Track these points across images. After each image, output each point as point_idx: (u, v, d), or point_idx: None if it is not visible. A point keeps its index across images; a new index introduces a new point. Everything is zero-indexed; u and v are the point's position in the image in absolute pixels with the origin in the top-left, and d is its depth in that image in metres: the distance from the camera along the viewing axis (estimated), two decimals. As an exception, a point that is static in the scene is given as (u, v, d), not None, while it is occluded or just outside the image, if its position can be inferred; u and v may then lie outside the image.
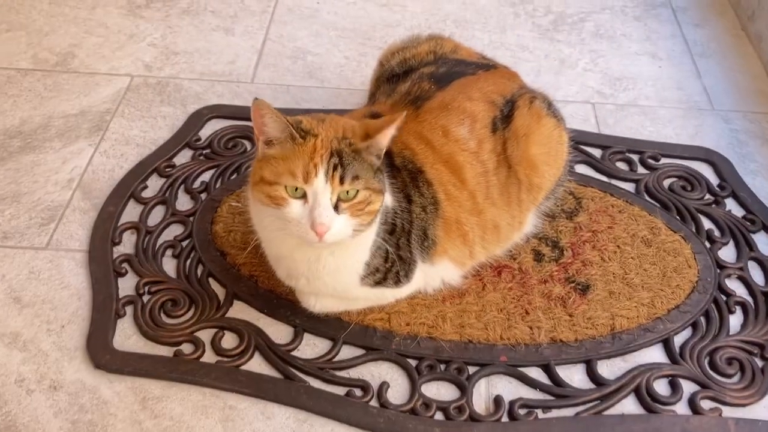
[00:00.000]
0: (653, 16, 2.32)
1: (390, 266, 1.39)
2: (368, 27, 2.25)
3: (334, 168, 1.18)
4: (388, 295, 1.46)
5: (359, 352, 1.43)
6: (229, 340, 1.44)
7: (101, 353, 1.40)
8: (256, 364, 1.41)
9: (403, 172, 1.38)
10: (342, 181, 1.19)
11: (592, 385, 1.40)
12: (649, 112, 1.98)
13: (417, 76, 1.49)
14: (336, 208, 1.20)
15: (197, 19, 2.25)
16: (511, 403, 1.36)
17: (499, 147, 1.44)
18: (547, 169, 1.47)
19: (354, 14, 2.30)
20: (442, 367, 1.41)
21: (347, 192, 1.20)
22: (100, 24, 2.22)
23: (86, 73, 2.05)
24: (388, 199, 1.35)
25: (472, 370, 1.41)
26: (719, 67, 2.13)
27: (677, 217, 1.69)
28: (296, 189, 1.19)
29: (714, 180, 1.79)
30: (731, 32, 2.27)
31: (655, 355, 1.45)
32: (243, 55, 2.13)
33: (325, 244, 1.21)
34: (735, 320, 1.50)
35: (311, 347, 1.44)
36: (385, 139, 1.22)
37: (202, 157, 1.80)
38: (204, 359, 1.41)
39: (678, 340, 1.47)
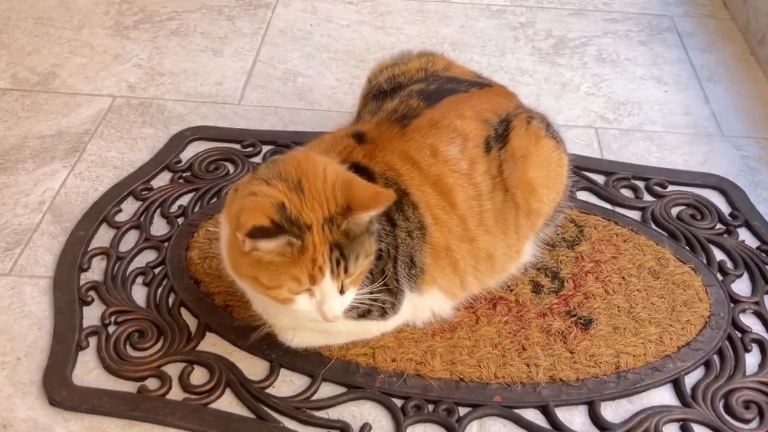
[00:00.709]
0: (659, 41, 2.23)
1: (375, 297, 1.28)
2: (362, 49, 2.17)
3: (338, 263, 1.13)
4: (372, 328, 1.34)
5: (340, 390, 1.31)
6: (198, 376, 1.33)
7: (57, 389, 1.29)
8: (227, 402, 1.29)
9: (387, 196, 1.27)
10: (347, 270, 1.14)
11: (595, 430, 1.27)
12: (655, 137, 1.88)
13: (405, 94, 1.39)
14: (341, 290, 1.16)
15: (186, 41, 2.18)
16: (506, 448, 1.23)
17: (494, 169, 1.33)
18: (546, 192, 1.36)
19: (348, 36, 2.22)
20: (431, 407, 1.29)
21: (358, 264, 1.16)
22: (86, 44, 2.15)
23: (67, 93, 1.97)
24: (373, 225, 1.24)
25: (463, 411, 1.28)
26: (728, 93, 2.04)
27: (686, 248, 1.57)
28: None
29: (725, 209, 1.68)
30: (740, 57, 2.18)
31: (664, 396, 1.32)
32: (231, 76, 2.05)
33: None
34: (752, 359, 1.38)
35: (287, 384, 1.32)
36: (364, 218, 1.14)
37: (181, 180, 1.70)
38: (170, 396, 1.29)
39: (689, 380, 1.34)
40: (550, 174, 1.37)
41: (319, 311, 1.15)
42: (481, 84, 1.46)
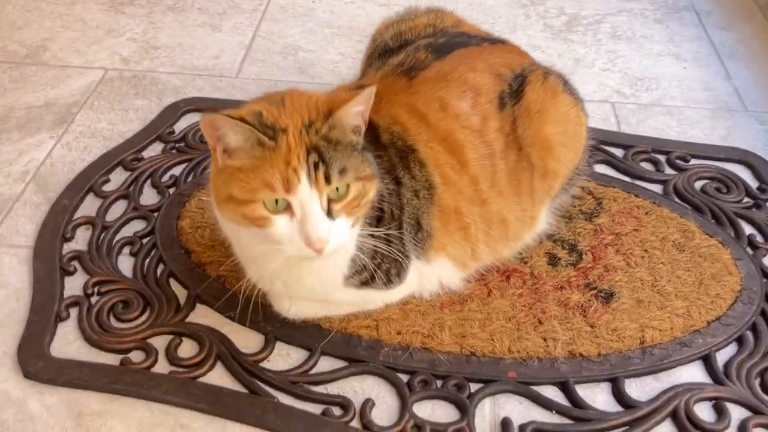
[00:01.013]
0: (676, 19, 2.14)
1: (379, 263, 1.18)
2: (366, 25, 2.07)
3: (315, 166, 0.99)
4: (376, 298, 1.24)
5: (340, 364, 1.21)
6: (186, 348, 1.22)
7: (33, 360, 1.18)
8: (217, 376, 1.19)
9: (391, 150, 1.17)
10: (328, 179, 1.00)
11: (619, 408, 1.16)
12: (675, 112, 1.78)
13: (412, 48, 1.29)
14: (329, 212, 1.01)
15: (182, 16, 2.09)
16: (522, 427, 1.12)
17: (507, 126, 1.23)
18: (564, 152, 1.26)
19: (351, 13, 2.13)
20: (439, 383, 1.18)
21: (337, 189, 1.01)
22: (78, 19, 2.06)
23: (57, 66, 1.88)
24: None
25: (474, 387, 1.17)
26: (749, 69, 1.94)
27: (712, 221, 1.47)
28: (277, 202, 1.00)
29: (752, 182, 1.57)
30: (760, 35, 2.08)
31: (694, 373, 1.21)
32: (229, 50, 1.95)
33: (326, 256, 1.02)
34: (788, 335, 1.27)
35: (283, 358, 1.22)
36: (348, 115, 1.02)
37: (174, 151, 1.61)
38: (155, 369, 1.19)
39: (721, 357, 1.23)
40: (568, 131, 1.27)
41: (302, 234, 0.99)
42: (493, 40, 1.37)
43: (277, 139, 0.99)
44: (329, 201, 1.01)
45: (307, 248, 1.01)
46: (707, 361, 1.22)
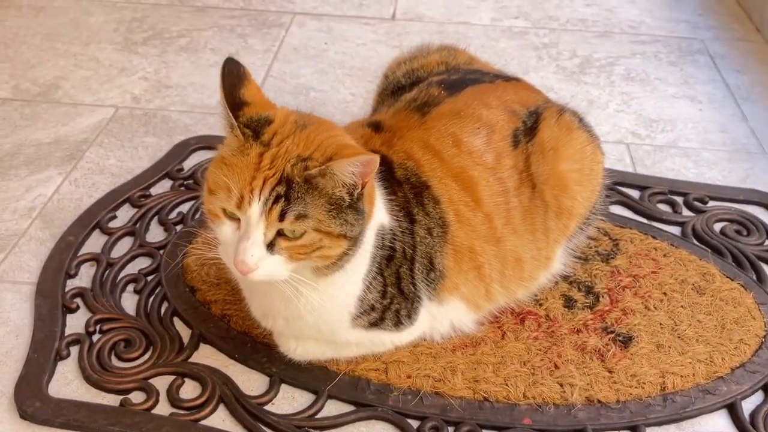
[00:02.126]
0: (690, 62, 2.13)
1: (389, 303, 1.14)
2: (378, 66, 2.05)
3: (276, 200, 0.95)
4: (385, 339, 1.20)
5: (348, 408, 1.16)
6: (189, 389, 1.18)
7: (30, 400, 1.14)
8: (219, 419, 1.14)
9: (405, 186, 1.14)
10: (282, 217, 0.95)
11: (640, 458, 1.10)
12: (691, 153, 1.75)
13: (425, 84, 1.28)
14: (271, 244, 0.97)
15: (195, 56, 2.10)
16: (538, 477, 1.07)
17: (521, 163, 1.21)
18: (579, 190, 1.23)
19: (363, 54, 2.14)
20: (450, 429, 1.13)
21: (293, 230, 0.96)
22: (92, 58, 2.07)
23: (68, 103, 1.88)
24: (385, 219, 1.11)
25: (487, 434, 1.12)
26: (767, 112, 1.91)
27: (732, 264, 1.42)
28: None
29: (773, 225, 1.53)
30: (777, 79, 2.06)
31: (718, 422, 1.16)
32: (241, 90, 1.95)
33: (252, 280, 0.99)
34: (818, 385, 1.21)
35: (289, 401, 1.17)
36: (342, 169, 0.95)
37: (182, 188, 1.59)
38: (156, 411, 1.15)
39: (747, 405, 1.18)
40: (584, 168, 1.24)
41: (234, 249, 0.96)
42: (507, 77, 1.35)
43: (252, 147, 0.97)
44: (278, 234, 0.97)
45: (233, 264, 0.98)
46: (732, 410, 1.17)
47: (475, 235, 1.17)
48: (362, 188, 0.99)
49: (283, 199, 0.95)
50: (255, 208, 0.95)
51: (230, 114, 1.00)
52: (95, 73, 2.01)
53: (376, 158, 0.96)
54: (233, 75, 1.03)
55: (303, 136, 0.99)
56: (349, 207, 0.99)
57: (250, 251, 0.95)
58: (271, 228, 0.96)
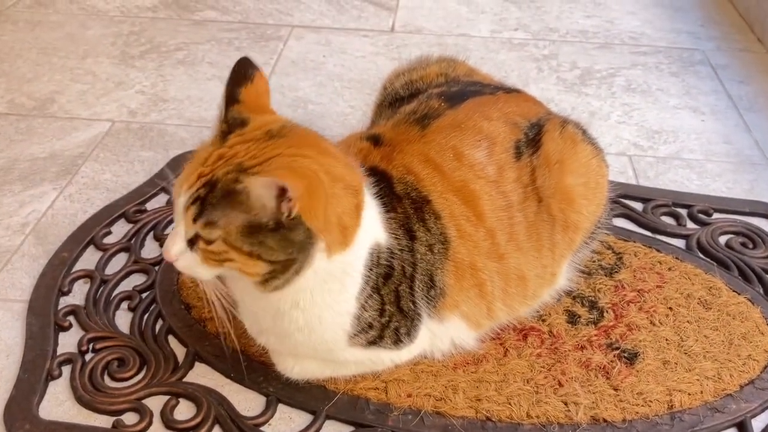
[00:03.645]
0: (691, 73, 2.11)
1: (387, 321, 1.11)
2: (377, 79, 2.03)
3: (195, 200, 0.94)
4: (384, 358, 1.17)
5: (347, 428, 1.13)
6: (183, 410, 1.15)
7: (20, 422, 1.11)
8: (214, 441, 1.11)
9: (405, 202, 1.12)
10: (195, 219, 0.94)
11: (648, 479, 1.07)
12: (695, 165, 1.73)
13: (425, 96, 1.26)
14: (192, 241, 0.95)
15: (192, 69, 2.08)
16: (543, 500, 1.04)
17: (525, 177, 1.18)
18: (585, 203, 1.20)
19: (362, 67, 2.12)
20: (452, 450, 1.10)
21: (204, 235, 0.95)
22: (88, 72, 2.05)
23: (64, 118, 1.86)
24: (382, 237, 1.08)
25: (490, 455, 1.09)
26: (770, 123, 1.90)
27: (739, 277, 1.39)
28: None
29: (780, 238, 1.51)
30: (780, 90, 2.04)
31: (728, 442, 1.13)
32: (238, 103, 1.93)
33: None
34: (829, 401, 1.18)
35: (286, 422, 1.14)
36: (255, 189, 0.91)
37: (178, 203, 1.56)
38: (149, 432, 1.12)
39: (757, 424, 1.15)
40: (590, 182, 1.21)
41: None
42: (507, 89, 1.33)
43: (212, 145, 0.98)
44: (197, 236, 0.95)
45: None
46: (742, 429, 1.14)
47: (477, 251, 1.14)
48: (289, 215, 0.92)
49: (200, 201, 0.94)
50: (180, 202, 0.95)
51: (221, 108, 1.01)
52: (92, 87, 1.99)
53: (300, 185, 0.90)
54: (240, 74, 1.03)
55: (262, 146, 0.96)
56: (273, 231, 0.93)
57: (173, 241, 0.96)
58: (188, 226, 0.95)
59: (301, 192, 0.90)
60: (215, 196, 0.93)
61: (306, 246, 0.96)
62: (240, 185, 0.92)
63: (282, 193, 0.91)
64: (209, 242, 0.95)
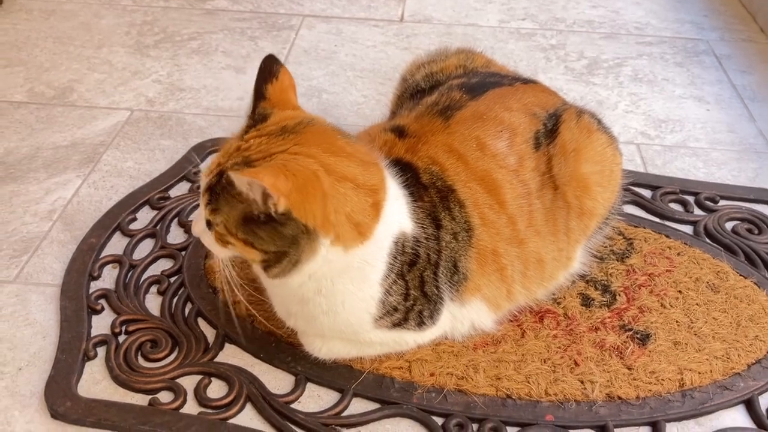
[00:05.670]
0: (696, 63, 2.15)
1: (411, 304, 1.16)
2: (389, 68, 2.09)
3: (207, 188, 1.03)
4: (408, 339, 1.22)
5: (373, 406, 1.18)
6: (216, 389, 1.20)
7: (61, 400, 1.16)
8: (247, 418, 1.16)
9: (432, 191, 1.16)
10: (206, 205, 1.03)
11: (661, 453, 1.13)
12: (701, 153, 1.78)
13: (446, 87, 1.30)
14: (209, 223, 1.05)
15: (207, 59, 2.11)
16: (562, 472, 1.09)
17: (542, 165, 1.23)
18: (600, 191, 1.25)
19: (374, 56, 2.15)
20: (475, 426, 1.15)
21: (211, 219, 1.04)
22: (105, 61, 2.08)
23: (84, 106, 1.89)
24: (408, 226, 1.12)
25: (511, 430, 1.14)
26: (774, 112, 1.94)
27: (745, 262, 1.45)
28: None
29: (784, 224, 1.56)
30: (782, 80, 2.09)
31: (736, 418, 1.18)
32: (253, 92, 1.97)
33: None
34: (831, 379, 1.24)
35: (315, 399, 1.19)
36: (239, 183, 0.96)
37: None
38: (184, 410, 1.16)
39: (764, 401, 1.20)
40: (605, 170, 1.26)
41: None
42: (525, 80, 1.37)
43: (240, 131, 1.05)
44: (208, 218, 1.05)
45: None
46: (750, 406, 1.19)
47: (498, 238, 1.19)
48: (275, 210, 0.96)
49: (211, 189, 1.02)
50: (202, 185, 1.04)
51: (252, 104, 1.08)
52: (109, 76, 2.02)
53: (284, 185, 0.94)
54: (265, 71, 1.10)
55: (272, 141, 1.02)
56: (264, 224, 0.99)
57: (196, 221, 1.08)
58: (203, 210, 1.04)
59: (287, 190, 0.95)
60: (221, 185, 1.00)
61: (299, 240, 1.00)
62: (229, 179, 0.98)
63: (259, 189, 0.96)
64: (217, 225, 1.03)
